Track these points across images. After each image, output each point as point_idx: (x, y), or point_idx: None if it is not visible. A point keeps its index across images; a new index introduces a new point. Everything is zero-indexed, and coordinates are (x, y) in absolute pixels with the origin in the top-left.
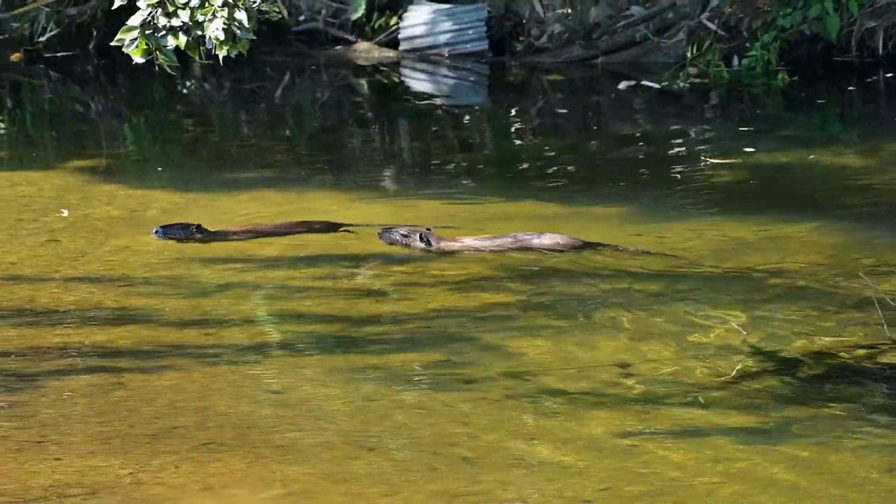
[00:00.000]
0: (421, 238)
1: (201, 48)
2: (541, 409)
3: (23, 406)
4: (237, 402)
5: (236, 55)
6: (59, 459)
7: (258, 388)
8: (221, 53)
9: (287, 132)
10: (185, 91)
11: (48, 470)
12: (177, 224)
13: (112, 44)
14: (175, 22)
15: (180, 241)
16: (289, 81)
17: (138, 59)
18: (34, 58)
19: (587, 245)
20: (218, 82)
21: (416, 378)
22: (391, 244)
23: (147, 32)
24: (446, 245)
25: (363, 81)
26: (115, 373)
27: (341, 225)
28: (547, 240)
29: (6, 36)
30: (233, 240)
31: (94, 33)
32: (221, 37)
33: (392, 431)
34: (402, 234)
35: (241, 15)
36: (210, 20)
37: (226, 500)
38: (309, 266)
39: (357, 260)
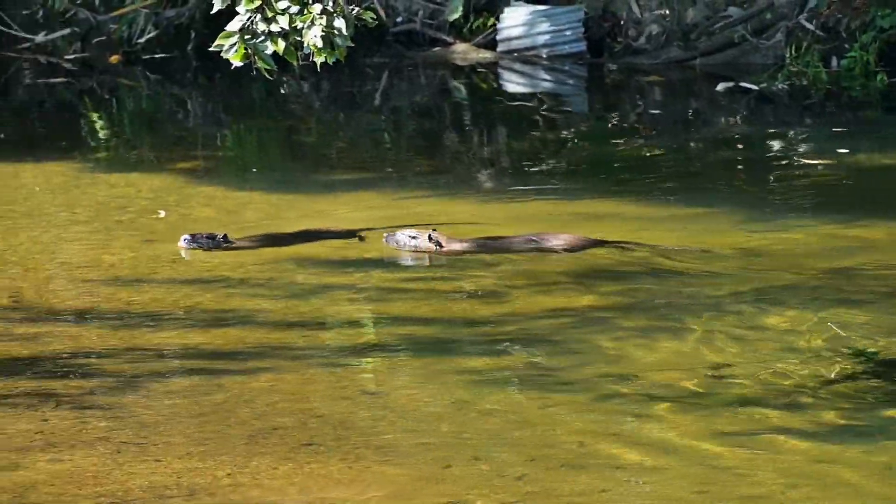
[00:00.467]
0: (430, 239)
1: (299, 53)
2: (636, 412)
3: (122, 407)
4: (334, 403)
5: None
6: (158, 461)
7: (355, 390)
8: (319, 60)
9: (385, 133)
10: (283, 92)
11: (147, 471)
12: (205, 233)
13: (211, 49)
14: (274, 27)
15: (206, 250)
16: (386, 83)
17: (236, 63)
18: (133, 60)
19: (600, 243)
20: (316, 83)
21: (512, 380)
22: (399, 247)
23: (246, 38)
24: (456, 245)
25: (460, 82)
26: (214, 374)
27: (357, 231)
28: (560, 240)
29: (105, 38)
30: (257, 248)
31: (193, 35)
32: (320, 44)
33: (488, 434)
34: (410, 237)
35: (339, 23)
36: (308, 27)
37: (323, 502)
38: (405, 268)
39: (452, 262)
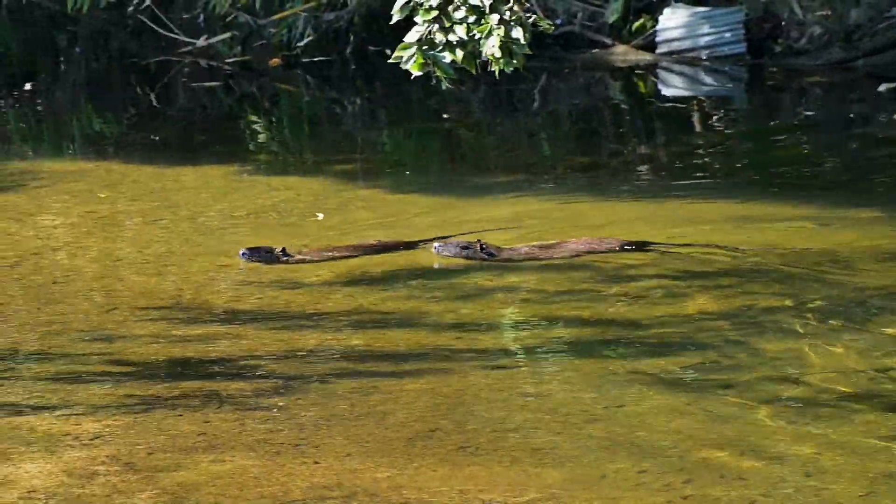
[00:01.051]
0: (481, 248)
1: (477, 61)
2: (800, 413)
3: (281, 409)
4: (492, 405)
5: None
6: (317, 462)
7: (512, 392)
8: (497, 69)
9: (543, 136)
10: (441, 95)
11: (306, 473)
12: (262, 247)
13: (390, 61)
14: (452, 37)
15: (266, 263)
16: (545, 84)
17: (416, 73)
18: (292, 63)
19: (643, 245)
20: (475, 85)
21: (672, 382)
22: (454, 257)
23: (424, 48)
24: (508, 254)
25: (619, 84)
26: (371, 376)
27: (419, 241)
28: (605, 245)
29: (265, 42)
30: (315, 261)
31: (351, 38)
32: (498, 54)
33: (648, 436)
34: (462, 247)
35: (517, 32)
36: (486, 37)
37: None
38: (563, 270)
39: (609, 265)
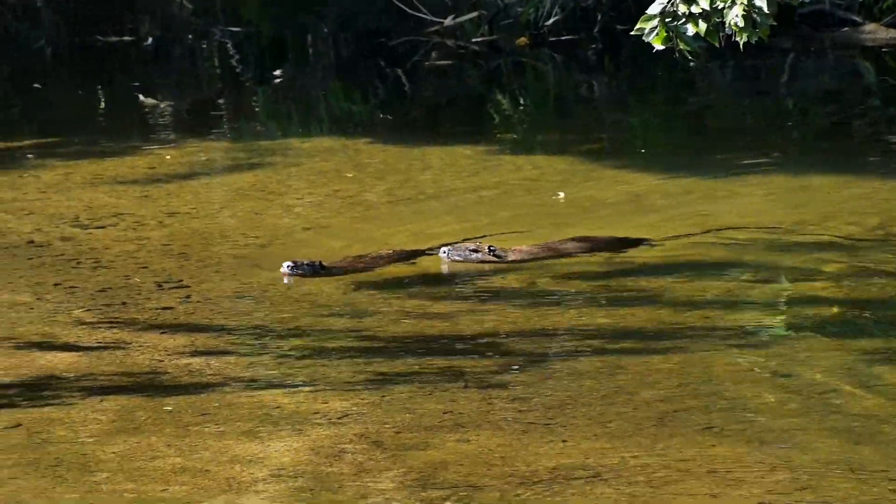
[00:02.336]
0: (491, 251)
1: (720, 34)
2: None
3: (528, 388)
4: (739, 386)
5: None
6: (564, 442)
7: (760, 372)
8: (741, 40)
9: (790, 116)
10: (689, 74)
11: (553, 452)
12: (305, 260)
13: (632, 33)
14: (694, 9)
15: (308, 276)
16: (793, 64)
17: (658, 46)
18: (539, 42)
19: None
20: (722, 64)
21: None
22: (463, 260)
23: (666, 20)
24: (514, 255)
25: (869, 64)
26: (617, 355)
27: (426, 249)
28: (601, 241)
29: (512, 21)
30: (351, 272)
31: (599, 17)
32: (741, 24)
33: None
34: (470, 250)
35: (760, 2)
36: (729, 7)
37: (730, 485)
38: (811, 250)
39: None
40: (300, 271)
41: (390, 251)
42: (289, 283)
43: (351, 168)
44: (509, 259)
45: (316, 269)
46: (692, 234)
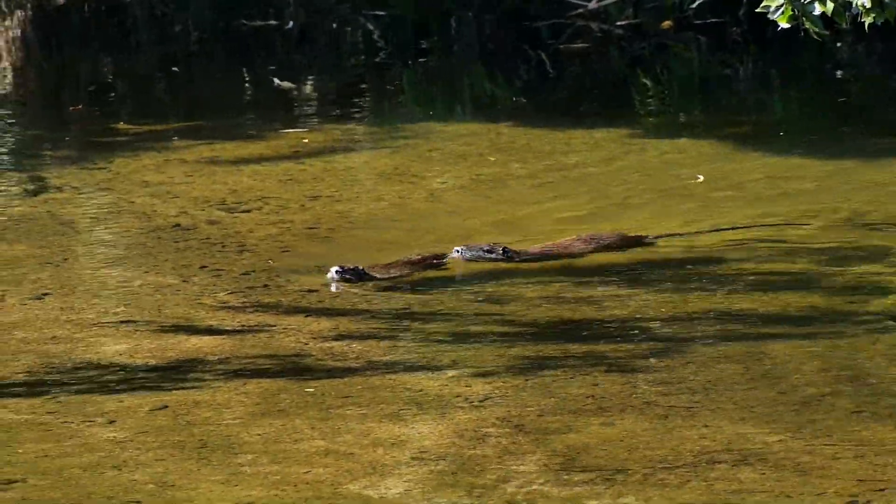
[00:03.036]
0: (504, 252)
1: (847, 14)
2: None
3: (671, 371)
4: (886, 371)
5: (882, 23)
6: (707, 426)
7: None
8: (867, 21)
9: None
10: (834, 57)
11: (696, 437)
12: (352, 267)
13: (757, 10)
14: None
15: (355, 282)
16: None
17: (783, 25)
18: (683, 25)
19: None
20: (868, 46)
21: None
22: (476, 260)
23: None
24: (525, 254)
25: None
26: (762, 340)
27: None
28: (610, 238)
29: (657, 4)
30: (394, 277)
31: (744, 0)
32: (868, 4)
33: None
34: (485, 251)
35: None
36: None
37: (878, 469)
38: None
39: None
40: (348, 277)
41: (419, 256)
42: (338, 290)
43: (493, 151)
44: (518, 259)
45: (360, 275)
46: (778, 224)
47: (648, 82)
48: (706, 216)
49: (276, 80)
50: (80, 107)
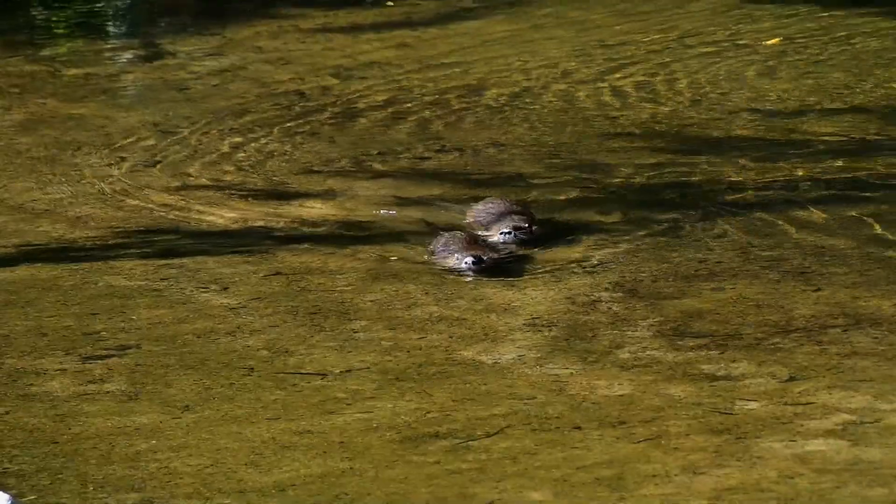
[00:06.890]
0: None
1: None
2: None
3: (784, 236)
4: None
5: None
6: (819, 290)
7: None
8: None
9: None
10: None
11: (809, 301)
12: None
13: None
14: None
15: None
16: None
17: None
18: None
19: None
20: None
21: None
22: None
23: None
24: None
25: None
26: (874, 204)
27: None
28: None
29: None
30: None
31: None
32: None
33: None
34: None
35: None
36: None
37: None
38: None
39: None
40: (484, 263)
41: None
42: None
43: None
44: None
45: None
46: None
47: None
48: None
49: None
50: None
